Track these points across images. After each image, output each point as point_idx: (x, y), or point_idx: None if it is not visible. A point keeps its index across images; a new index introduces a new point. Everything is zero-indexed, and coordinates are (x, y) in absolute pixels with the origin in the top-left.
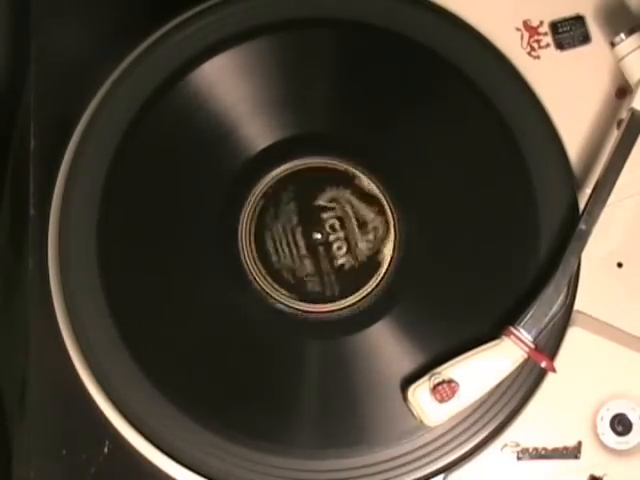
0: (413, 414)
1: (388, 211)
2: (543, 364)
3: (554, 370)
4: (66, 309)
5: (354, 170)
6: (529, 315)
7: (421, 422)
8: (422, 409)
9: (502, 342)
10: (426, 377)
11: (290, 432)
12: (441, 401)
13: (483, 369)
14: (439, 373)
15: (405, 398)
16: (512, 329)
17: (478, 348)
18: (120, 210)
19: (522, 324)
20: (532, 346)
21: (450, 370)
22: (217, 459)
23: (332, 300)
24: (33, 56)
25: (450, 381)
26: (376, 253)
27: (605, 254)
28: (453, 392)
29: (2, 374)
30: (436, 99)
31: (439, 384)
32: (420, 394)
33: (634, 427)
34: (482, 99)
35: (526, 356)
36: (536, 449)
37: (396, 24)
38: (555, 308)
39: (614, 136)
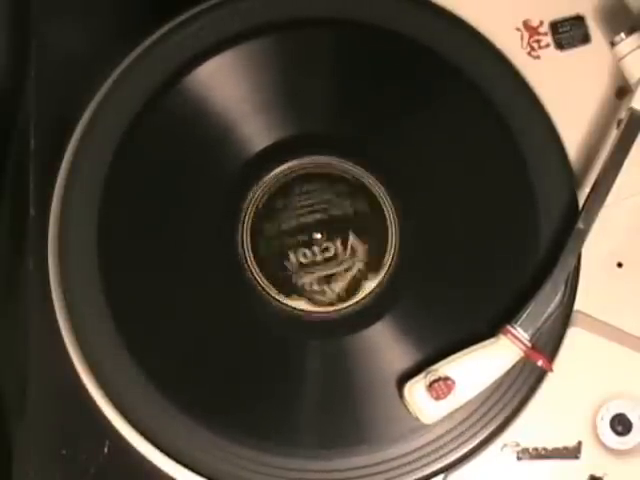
0: (409, 411)
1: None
2: (539, 363)
3: (551, 369)
4: (66, 309)
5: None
6: (526, 314)
7: (417, 419)
8: (418, 406)
9: (499, 340)
10: (422, 374)
11: (290, 432)
12: (437, 398)
13: (480, 367)
14: (435, 370)
15: (401, 395)
16: (509, 327)
17: (475, 346)
18: (120, 210)
19: (519, 322)
20: (529, 345)
21: (446, 368)
22: (217, 459)
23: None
24: (33, 56)
25: (446, 378)
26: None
27: (605, 254)
28: (449, 389)
29: (2, 374)
30: (436, 99)
31: (435, 381)
32: (416, 391)
33: (634, 427)
34: (482, 99)
35: (522, 355)
36: (536, 449)
37: (396, 24)
38: (552, 307)
39: (614, 136)
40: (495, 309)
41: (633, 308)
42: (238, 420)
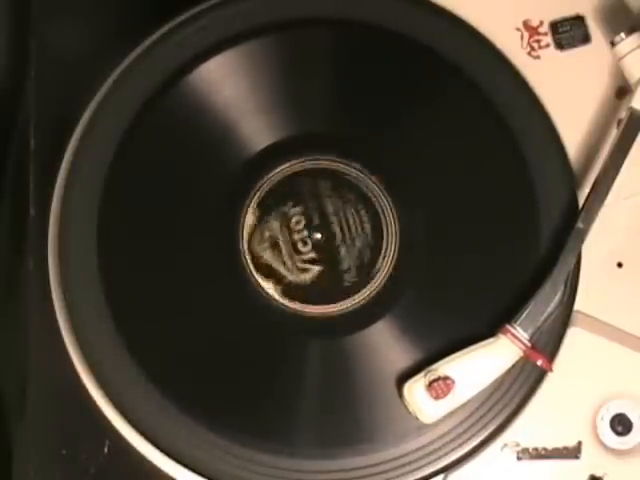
0: (409, 411)
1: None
2: (539, 362)
3: (551, 369)
4: (66, 309)
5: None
6: (525, 313)
7: (417, 419)
8: (417, 406)
9: (498, 340)
10: (422, 374)
11: (290, 432)
12: (437, 398)
13: (479, 366)
14: (435, 370)
15: (401, 395)
16: (508, 327)
17: (475, 345)
18: (120, 210)
19: (518, 322)
20: (528, 344)
21: (446, 367)
22: (217, 459)
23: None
24: (33, 56)
25: (446, 378)
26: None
27: (605, 254)
28: (449, 389)
29: (2, 374)
30: (436, 99)
31: (435, 381)
32: (416, 391)
33: (634, 427)
34: (482, 99)
35: (522, 354)
36: (536, 449)
37: (396, 24)
38: (552, 306)
39: (614, 136)
40: (495, 309)
41: (633, 308)
42: (238, 420)
